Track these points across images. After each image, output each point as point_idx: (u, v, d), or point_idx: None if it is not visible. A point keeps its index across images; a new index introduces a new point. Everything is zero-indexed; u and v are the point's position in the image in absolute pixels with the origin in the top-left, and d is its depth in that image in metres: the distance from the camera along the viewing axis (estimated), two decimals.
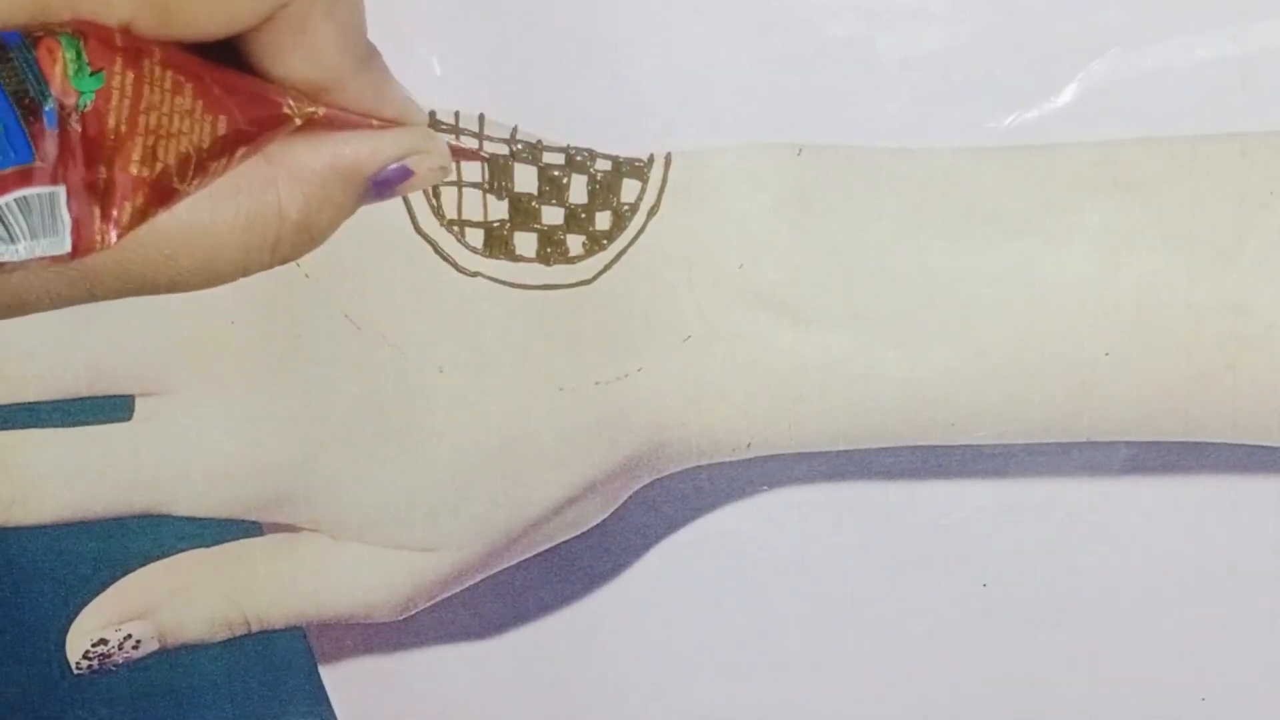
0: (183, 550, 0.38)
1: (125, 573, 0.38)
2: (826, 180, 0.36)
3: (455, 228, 0.36)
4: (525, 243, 0.36)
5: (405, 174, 0.27)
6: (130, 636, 0.38)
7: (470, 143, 0.36)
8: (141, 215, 0.23)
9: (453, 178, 0.36)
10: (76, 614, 0.38)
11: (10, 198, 0.21)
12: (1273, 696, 0.41)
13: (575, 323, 0.37)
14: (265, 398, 0.37)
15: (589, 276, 0.37)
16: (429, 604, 0.39)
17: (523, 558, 0.39)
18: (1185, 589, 0.40)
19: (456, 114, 0.36)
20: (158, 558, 0.38)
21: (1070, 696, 0.41)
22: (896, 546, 0.40)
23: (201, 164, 0.23)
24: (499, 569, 0.39)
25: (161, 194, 0.23)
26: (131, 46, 0.22)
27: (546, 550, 0.39)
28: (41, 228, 0.22)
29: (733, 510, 0.40)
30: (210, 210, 0.24)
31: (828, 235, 0.36)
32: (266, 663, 0.40)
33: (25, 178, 0.21)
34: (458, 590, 0.39)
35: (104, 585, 0.38)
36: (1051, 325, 0.36)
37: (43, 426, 0.37)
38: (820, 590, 0.40)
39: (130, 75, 0.22)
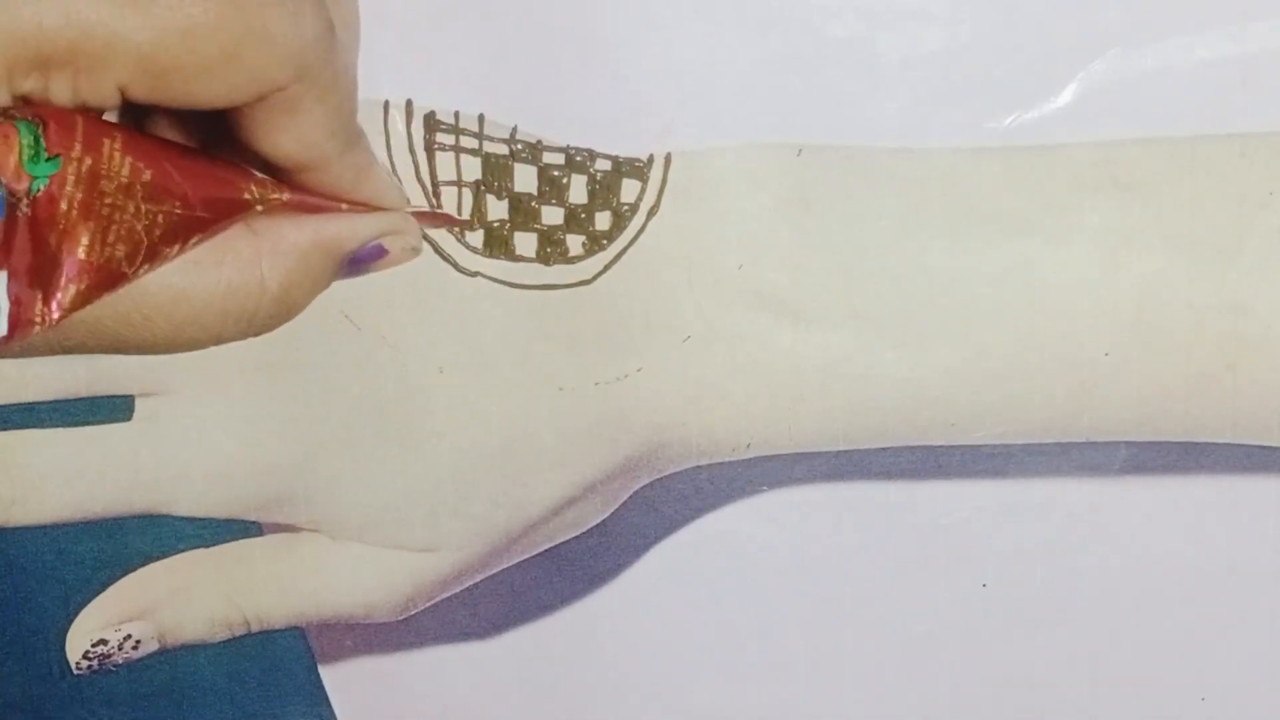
0: (182, 550, 0.38)
1: (125, 573, 0.38)
2: (826, 180, 0.36)
3: (455, 228, 0.36)
4: (525, 243, 0.36)
5: (380, 253, 0.28)
6: (130, 637, 0.38)
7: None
8: (85, 299, 0.23)
9: (450, 178, 0.36)
10: (76, 614, 0.38)
11: None
12: (1272, 696, 0.41)
13: (575, 323, 0.37)
14: (265, 398, 0.37)
15: (589, 277, 0.37)
16: (429, 604, 0.39)
17: (522, 558, 0.39)
18: (1185, 589, 0.40)
19: (456, 114, 0.36)
20: (157, 558, 0.38)
21: (1070, 696, 0.41)
22: (896, 546, 0.40)
23: (153, 249, 0.23)
24: (499, 569, 0.39)
25: (108, 279, 0.23)
26: (93, 132, 0.23)
27: (546, 550, 0.39)
28: None
29: (733, 510, 0.39)
30: (194, 278, 0.24)
31: (828, 235, 0.36)
32: (266, 663, 0.40)
33: None
34: (457, 590, 0.39)
35: (104, 585, 0.38)
36: (1051, 325, 0.36)
37: (43, 427, 0.37)
38: (820, 590, 0.40)
39: (88, 161, 0.22)
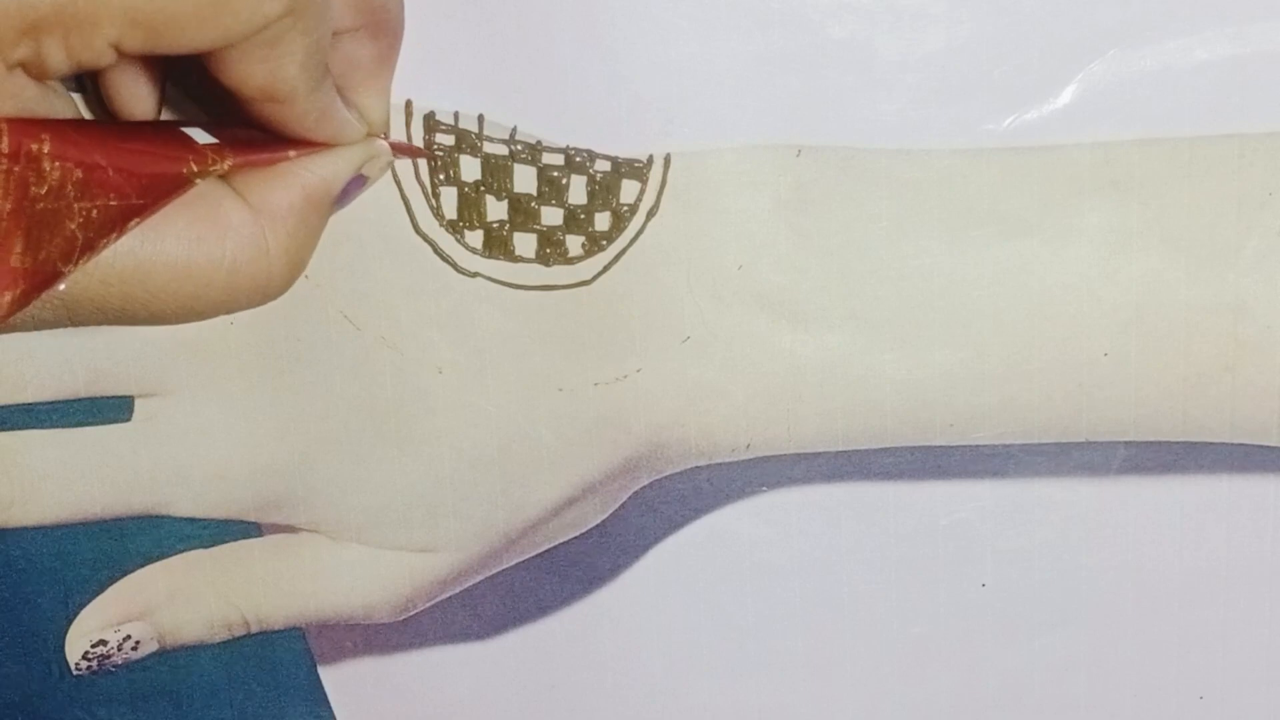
0: (182, 551, 0.38)
1: (124, 574, 0.38)
2: (825, 181, 0.36)
3: (454, 228, 0.36)
4: (524, 243, 0.36)
5: (361, 181, 0.29)
6: (129, 637, 0.38)
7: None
8: (20, 303, 0.23)
9: (449, 178, 0.36)
10: (76, 615, 0.38)
11: None
12: (1271, 696, 0.41)
13: (574, 323, 0.37)
14: (264, 399, 0.37)
15: (588, 277, 0.37)
16: (428, 604, 0.39)
17: (522, 558, 0.39)
18: (1184, 589, 0.40)
19: (456, 114, 0.36)
20: (157, 559, 0.38)
21: (1069, 696, 0.41)
22: (895, 547, 0.40)
23: (89, 243, 0.24)
24: (498, 569, 0.39)
25: (44, 279, 0.23)
26: (20, 138, 0.22)
27: (546, 551, 0.39)
28: None
29: (732, 511, 0.40)
30: (197, 253, 0.25)
31: (827, 236, 0.36)
32: (266, 664, 0.40)
33: None
34: (457, 591, 0.39)
35: (103, 586, 0.38)
36: (1050, 326, 0.36)
37: (42, 427, 0.37)
38: (819, 591, 0.40)
39: (15, 169, 0.22)
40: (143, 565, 0.38)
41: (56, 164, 0.23)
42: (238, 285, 0.25)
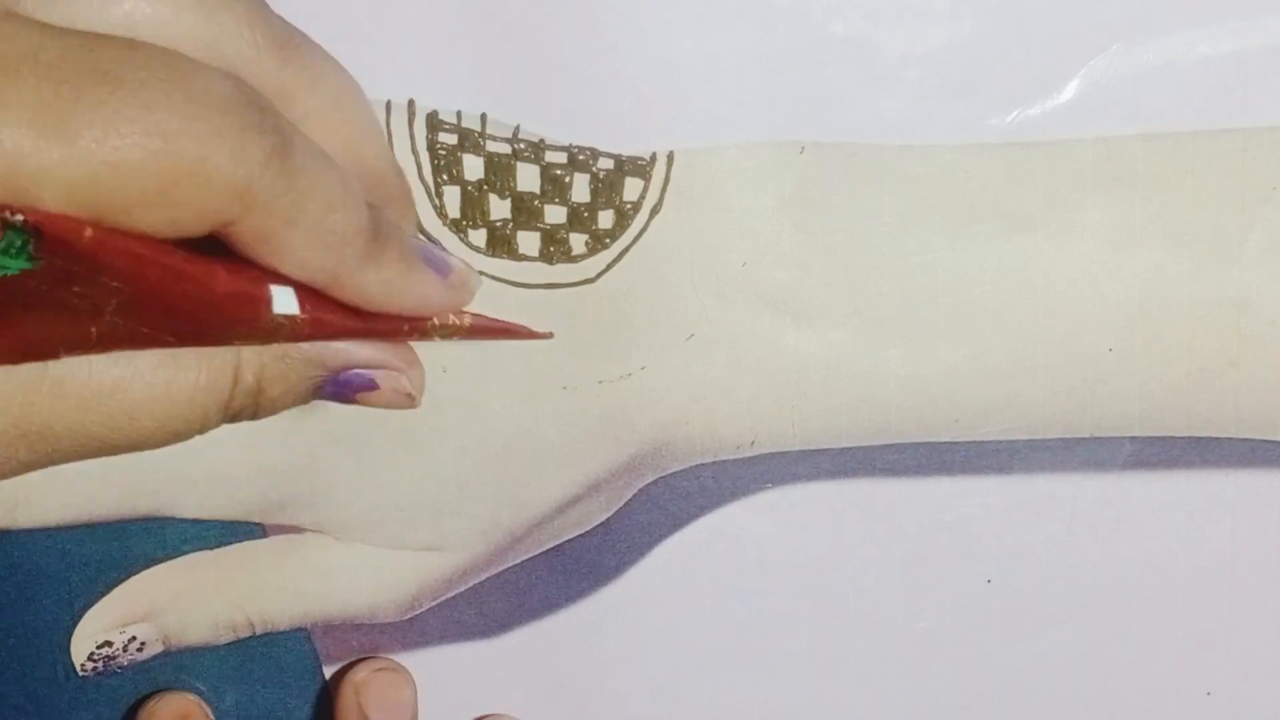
0: (186, 553, 0.38)
1: (129, 575, 0.38)
2: (829, 178, 0.36)
3: (458, 227, 0.36)
4: (528, 242, 0.36)
5: (369, 385, 0.27)
6: (135, 639, 0.38)
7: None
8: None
9: (453, 177, 0.36)
10: (81, 616, 0.38)
11: None
12: (1278, 691, 0.41)
13: (579, 321, 0.37)
14: None
15: (592, 275, 0.37)
16: (433, 604, 0.39)
17: (527, 556, 0.39)
18: (1190, 584, 0.40)
19: (458, 113, 0.36)
20: (162, 560, 0.38)
21: (1075, 692, 0.41)
22: (900, 543, 0.40)
23: (92, 347, 0.23)
24: (503, 568, 0.39)
25: (39, 347, 0.23)
26: (98, 249, 0.22)
27: (551, 549, 0.39)
28: None
29: (737, 508, 0.39)
30: (174, 371, 0.24)
31: (830, 233, 0.36)
32: (271, 665, 0.40)
33: None
34: (462, 589, 0.39)
35: (108, 588, 0.38)
36: (1054, 322, 0.36)
37: None
38: (824, 587, 0.40)
39: (69, 268, 0.22)
40: (147, 567, 0.38)
41: (114, 283, 0.22)
42: (207, 405, 0.24)
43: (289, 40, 0.26)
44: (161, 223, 0.22)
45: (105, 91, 0.21)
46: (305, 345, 0.25)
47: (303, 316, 0.25)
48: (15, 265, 0.21)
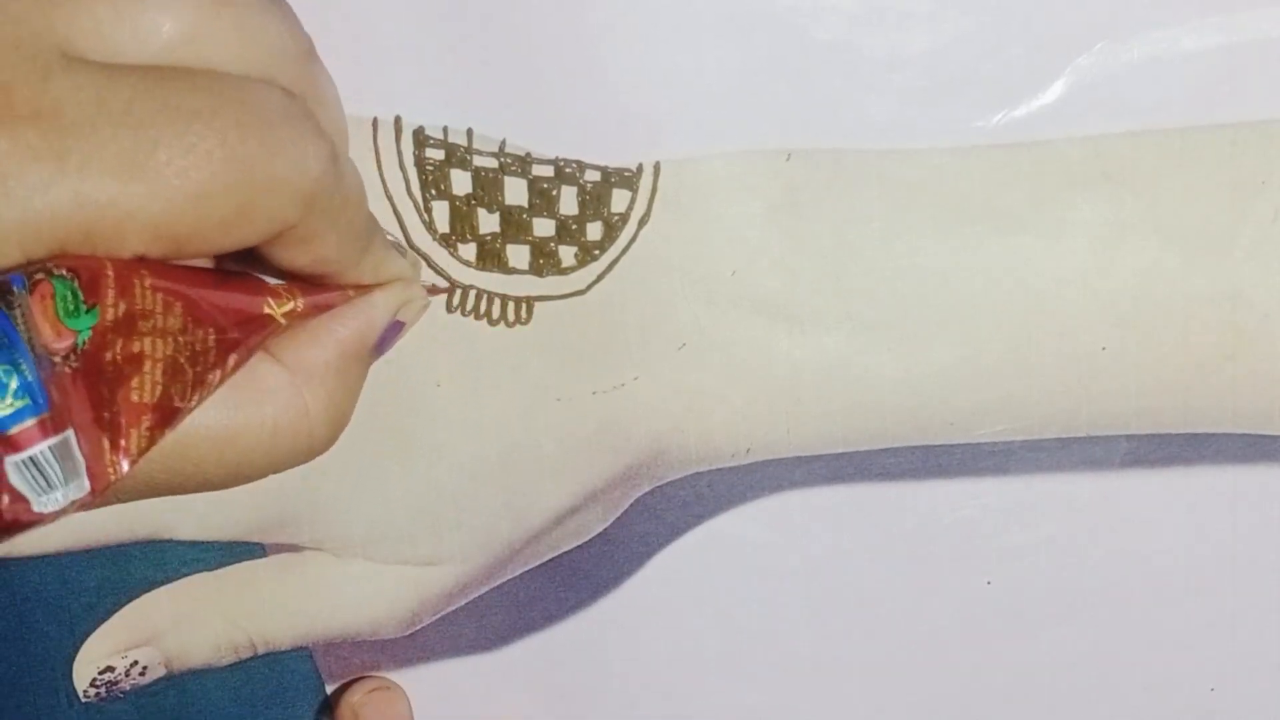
0: (186, 575, 0.38)
1: (129, 600, 0.38)
2: (816, 184, 0.36)
3: (447, 242, 0.36)
4: (518, 255, 0.36)
5: (398, 327, 0.28)
6: (137, 663, 0.38)
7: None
8: (150, 440, 0.22)
9: (440, 192, 0.36)
10: (82, 642, 0.38)
11: (40, 448, 0.21)
12: None
13: (570, 333, 0.37)
14: None
15: (582, 287, 0.36)
16: (434, 618, 0.39)
17: (526, 568, 0.39)
18: (1190, 581, 0.40)
19: (445, 128, 0.36)
20: (161, 583, 0.38)
21: (1077, 692, 0.41)
22: (899, 547, 0.40)
23: (199, 378, 0.23)
24: (503, 580, 0.39)
25: (165, 415, 0.23)
26: (123, 275, 0.22)
27: (550, 560, 0.39)
28: (65, 473, 0.22)
29: (734, 515, 0.39)
30: (237, 419, 0.24)
31: (819, 239, 0.36)
32: (274, 684, 0.40)
33: (45, 427, 0.21)
34: (462, 603, 0.39)
35: (109, 613, 0.38)
36: (1047, 321, 0.36)
37: None
38: (824, 593, 0.40)
39: (123, 305, 0.22)
40: (147, 590, 0.38)
41: (159, 296, 0.23)
42: (279, 448, 0.25)
43: (312, 48, 0.27)
44: (235, 240, 0.23)
45: (181, 128, 0.22)
46: (349, 341, 0.27)
47: (303, 300, 0.26)
48: (85, 324, 0.22)
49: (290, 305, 0.26)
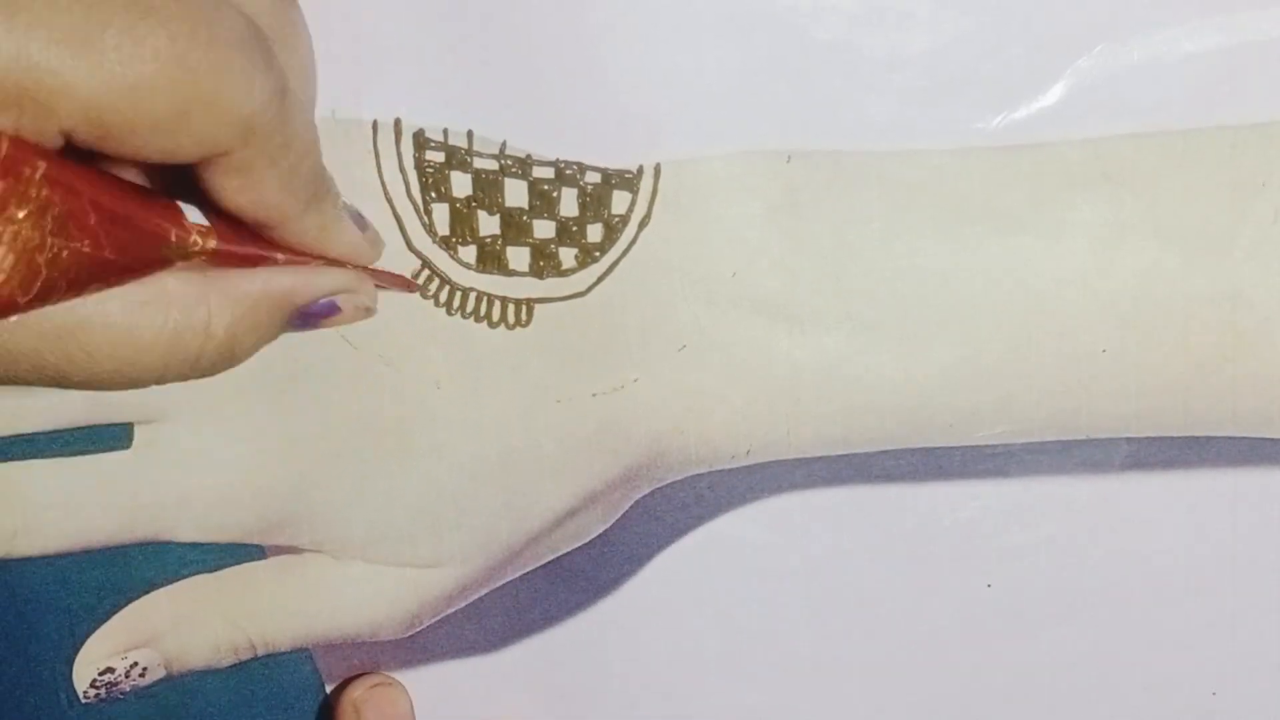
0: (186, 576, 0.38)
1: (130, 601, 0.38)
2: (816, 185, 0.36)
3: (448, 244, 0.36)
4: (518, 257, 0.36)
5: (332, 309, 0.29)
6: (137, 664, 0.38)
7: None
8: None
9: (440, 194, 0.36)
10: (82, 643, 0.38)
11: None
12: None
13: (571, 335, 0.37)
14: (263, 421, 0.37)
15: (583, 289, 0.36)
16: (434, 620, 0.39)
17: (526, 570, 0.39)
18: (1190, 582, 0.40)
19: (445, 131, 0.36)
20: (161, 584, 0.38)
21: (1078, 694, 0.41)
22: (899, 549, 0.40)
23: (50, 284, 0.23)
24: (503, 582, 0.39)
25: (3, 304, 0.23)
26: (18, 156, 0.22)
27: (550, 562, 0.39)
28: None
29: (734, 517, 0.39)
30: (140, 318, 0.24)
31: (819, 240, 0.36)
32: (274, 686, 0.40)
33: None
34: (462, 605, 0.39)
35: (109, 614, 0.38)
36: (1047, 322, 0.36)
37: (43, 457, 0.37)
38: (824, 593, 0.40)
39: (1, 183, 0.22)
40: (147, 591, 0.38)
41: (44, 192, 0.23)
42: (172, 356, 0.25)
43: None
44: (164, 149, 0.23)
45: (135, 18, 0.22)
46: (276, 286, 0.27)
47: (215, 243, 0.26)
48: None
49: (200, 244, 0.25)
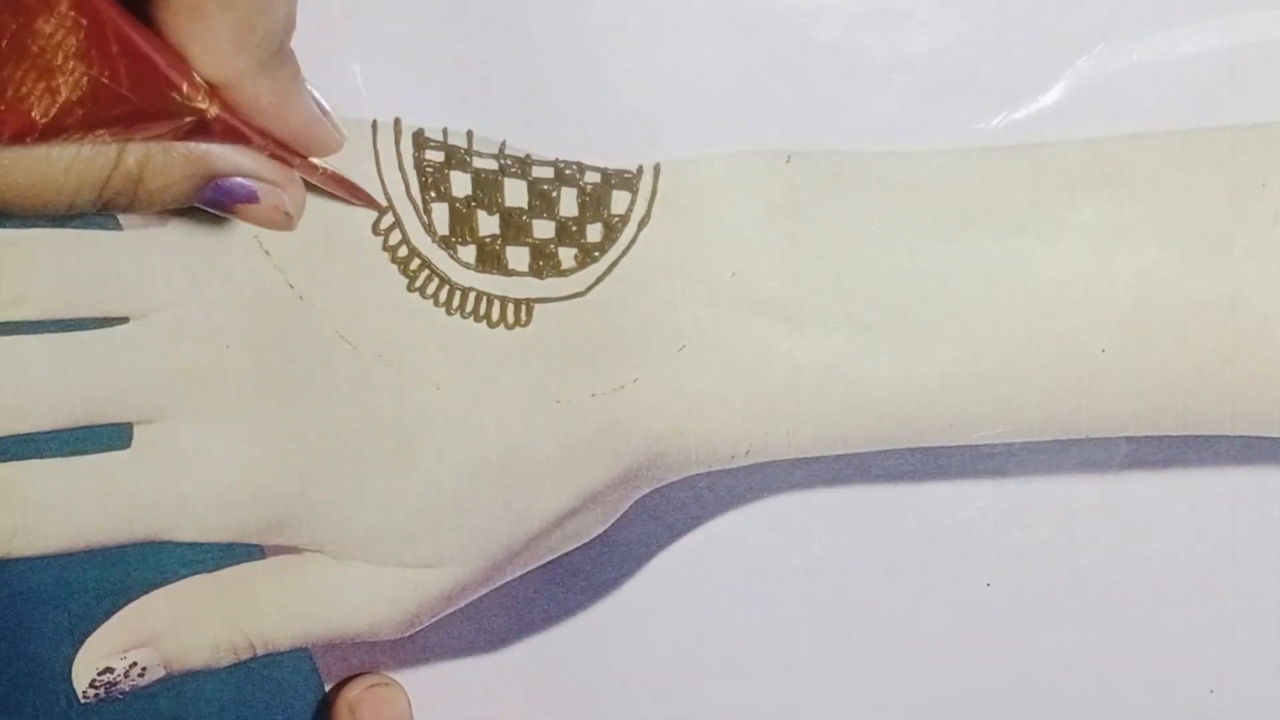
0: (185, 576, 0.38)
1: (129, 601, 0.38)
2: (816, 185, 0.36)
3: (447, 244, 0.36)
4: (517, 257, 0.36)
5: (250, 195, 0.28)
6: (136, 664, 0.38)
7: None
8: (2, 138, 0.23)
9: (440, 194, 0.36)
10: (81, 643, 0.38)
11: None
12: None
13: (570, 335, 0.37)
14: (263, 421, 0.37)
15: (582, 289, 0.36)
16: (433, 620, 0.39)
17: (525, 570, 0.39)
18: (1189, 583, 0.40)
19: (444, 131, 0.36)
20: (161, 584, 0.38)
21: (1077, 694, 0.41)
22: (899, 549, 0.40)
23: (66, 110, 0.23)
24: (502, 582, 0.39)
25: (20, 124, 0.23)
26: None
27: (549, 562, 0.39)
28: None
29: (734, 517, 0.39)
30: (58, 145, 0.25)
31: (819, 240, 0.36)
32: (273, 685, 0.40)
33: None
34: (461, 605, 0.39)
35: (108, 614, 0.38)
36: (1047, 323, 0.36)
37: (42, 457, 0.37)
38: (824, 595, 0.40)
39: (25, 2, 0.22)
40: (147, 591, 0.38)
41: (71, 11, 0.23)
42: (84, 177, 0.26)
43: None
44: None
45: None
46: (191, 144, 0.27)
47: (217, 109, 0.26)
48: None
49: (202, 105, 0.26)
